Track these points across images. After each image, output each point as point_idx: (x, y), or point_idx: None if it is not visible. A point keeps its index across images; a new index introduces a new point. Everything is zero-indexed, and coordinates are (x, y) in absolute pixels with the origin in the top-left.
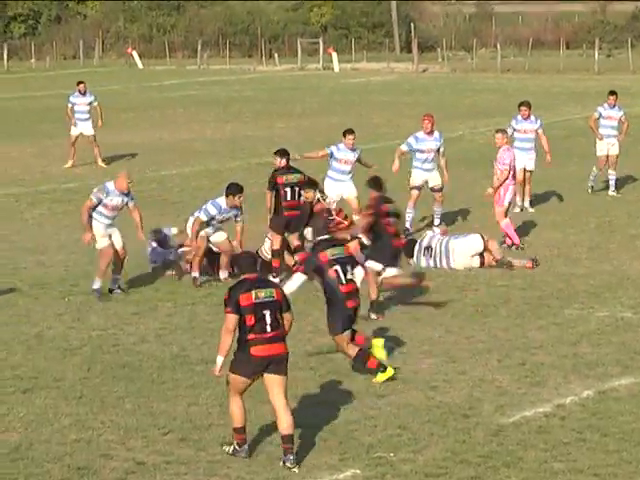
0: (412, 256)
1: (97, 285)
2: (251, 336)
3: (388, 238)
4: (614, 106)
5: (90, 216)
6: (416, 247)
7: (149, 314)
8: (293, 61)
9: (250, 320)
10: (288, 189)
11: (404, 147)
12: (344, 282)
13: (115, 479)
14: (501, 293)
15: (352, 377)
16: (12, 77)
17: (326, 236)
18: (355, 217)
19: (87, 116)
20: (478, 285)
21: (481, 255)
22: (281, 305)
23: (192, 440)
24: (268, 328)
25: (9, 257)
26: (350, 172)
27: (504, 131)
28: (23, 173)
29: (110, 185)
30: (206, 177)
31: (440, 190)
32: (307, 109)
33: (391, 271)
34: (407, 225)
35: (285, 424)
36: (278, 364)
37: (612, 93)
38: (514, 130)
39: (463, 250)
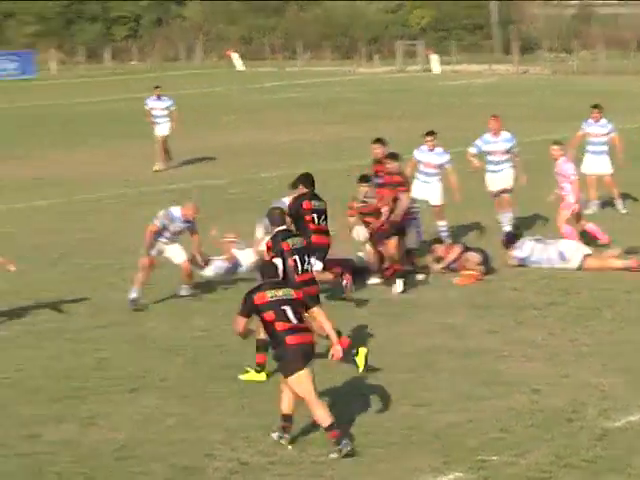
0: (510, 247)
1: (133, 295)
2: (279, 326)
3: (309, 234)
4: None
5: (154, 239)
6: (522, 238)
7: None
8: (393, 63)
9: (270, 316)
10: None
11: (473, 149)
12: (300, 272)
13: (219, 479)
14: (605, 296)
15: (456, 379)
16: (115, 79)
17: (283, 227)
18: (440, 223)
19: (164, 120)
20: (581, 288)
21: (586, 257)
22: (303, 302)
23: (297, 440)
24: (292, 319)
25: (115, 257)
26: (435, 175)
27: (560, 143)
28: (128, 174)
29: (176, 211)
30: None
31: (508, 192)
32: (407, 111)
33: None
34: (506, 228)
35: (284, 407)
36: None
37: None
38: (585, 133)
39: (573, 243)
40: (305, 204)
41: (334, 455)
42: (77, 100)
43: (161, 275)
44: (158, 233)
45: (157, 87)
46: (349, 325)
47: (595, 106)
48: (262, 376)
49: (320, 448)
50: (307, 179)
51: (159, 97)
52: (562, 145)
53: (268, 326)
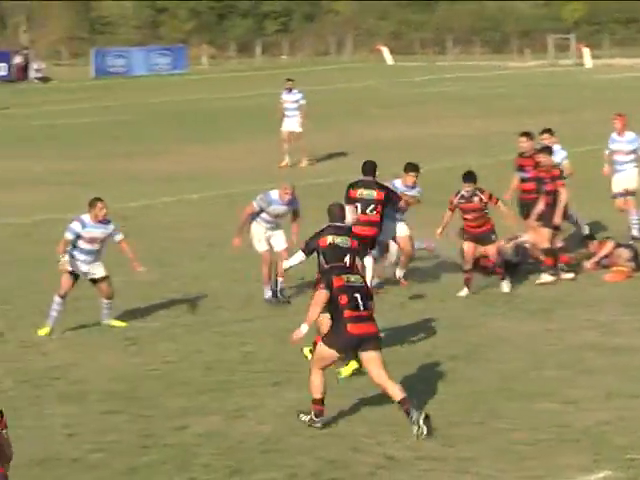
0: None
1: (267, 295)
2: (347, 313)
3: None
4: None
5: (249, 220)
6: None
7: (399, 311)
8: (544, 57)
9: (343, 299)
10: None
11: (607, 151)
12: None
13: (366, 473)
14: None
15: (605, 376)
16: (264, 74)
17: (338, 223)
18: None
19: (294, 113)
20: None
21: None
22: (368, 291)
23: (442, 436)
24: (361, 307)
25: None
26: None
27: None
28: (273, 168)
29: (274, 194)
30: (452, 174)
31: (630, 194)
32: (558, 105)
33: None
34: (634, 232)
35: (396, 393)
36: (370, 342)
37: None
38: None
39: None
40: (350, 192)
41: (303, 417)
42: (227, 95)
43: (312, 270)
44: (256, 214)
45: (289, 80)
46: (497, 321)
47: None
48: (352, 364)
49: (465, 444)
50: (364, 165)
51: (290, 90)
52: None
53: (337, 306)
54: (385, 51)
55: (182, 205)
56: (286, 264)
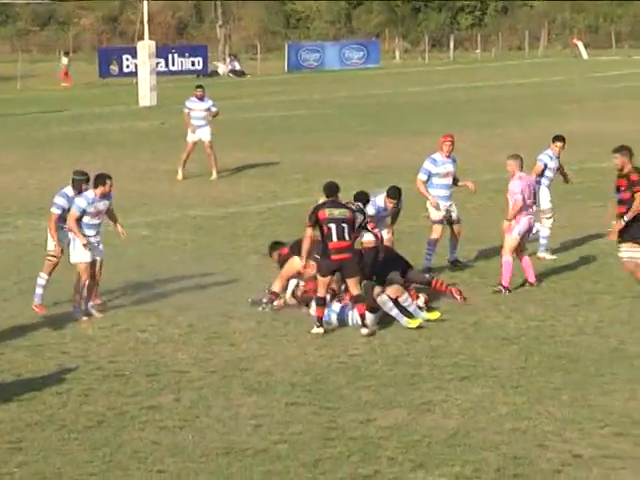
0: None
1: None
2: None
3: None
4: None
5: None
6: None
7: (587, 306)
8: None
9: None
10: None
11: None
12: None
13: (551, 470)
14: None
15: None
16: (456, 67)
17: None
18: None
19: (204, 122)
20: None
21: None
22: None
23: (630, 435)
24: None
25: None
26: None
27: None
28: (465, 163)
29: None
30: None
31: None
32: None
33: None
34: None
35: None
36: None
37: None
38: None
39: None
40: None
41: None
42: (419, 89)
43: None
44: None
45: (198, 87)
46: None
47: None
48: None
49: None
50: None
51: (200, 98)
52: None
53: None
54: (580, 45)
55: None
56: None
